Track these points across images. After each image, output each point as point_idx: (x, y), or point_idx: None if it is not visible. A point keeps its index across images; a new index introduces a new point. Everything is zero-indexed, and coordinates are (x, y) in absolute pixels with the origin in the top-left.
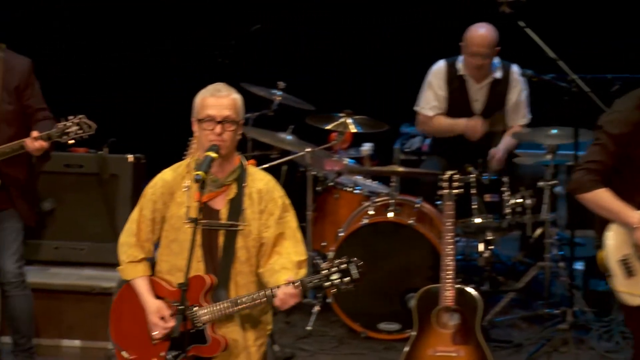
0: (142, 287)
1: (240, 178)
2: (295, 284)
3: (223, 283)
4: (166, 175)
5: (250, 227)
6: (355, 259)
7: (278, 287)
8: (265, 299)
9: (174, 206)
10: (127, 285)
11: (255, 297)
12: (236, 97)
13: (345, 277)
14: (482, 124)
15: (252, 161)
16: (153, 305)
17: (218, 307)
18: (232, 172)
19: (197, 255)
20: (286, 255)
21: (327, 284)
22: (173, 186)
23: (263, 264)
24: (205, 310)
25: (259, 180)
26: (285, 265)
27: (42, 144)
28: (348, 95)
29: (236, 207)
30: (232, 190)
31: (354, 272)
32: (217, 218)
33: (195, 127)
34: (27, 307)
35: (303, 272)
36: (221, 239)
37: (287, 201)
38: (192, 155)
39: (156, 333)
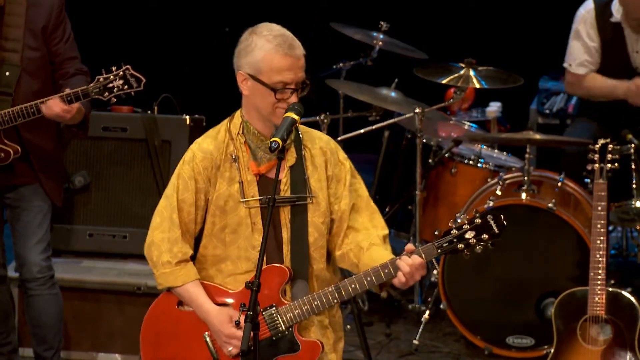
0: (199, 293)
1: (297, 139)
2: (423, 251)
3: (301, 273)
4: (206, 144)
5: (317, 198)
6: (492, 209)
7: (399, 257)
8: (387, 273)
9: (223, 183)
10: (164, 296)
11: (360, 280)
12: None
13: (483, 233)
14: None
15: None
16: (221, 314)
17: (307, 304)
18: None
19: (251, 241)
20: (364, 231)
21: (460, 245)
22: (217, 157)
23: (339, 244)
24: (289, 309)
25: (318, 139)
26: (373, 241)
27: (64, 107)
28: (470, 39)
29: (299, 175)
30: (292, 155)
31: (493, 226)
32: (278, 191)
33: (244, 83)
34: (56, 310)
35: (389, 249)
36: (284, 216)
37: (351, 164)
38: (231, 117)
39: (232, 349)
